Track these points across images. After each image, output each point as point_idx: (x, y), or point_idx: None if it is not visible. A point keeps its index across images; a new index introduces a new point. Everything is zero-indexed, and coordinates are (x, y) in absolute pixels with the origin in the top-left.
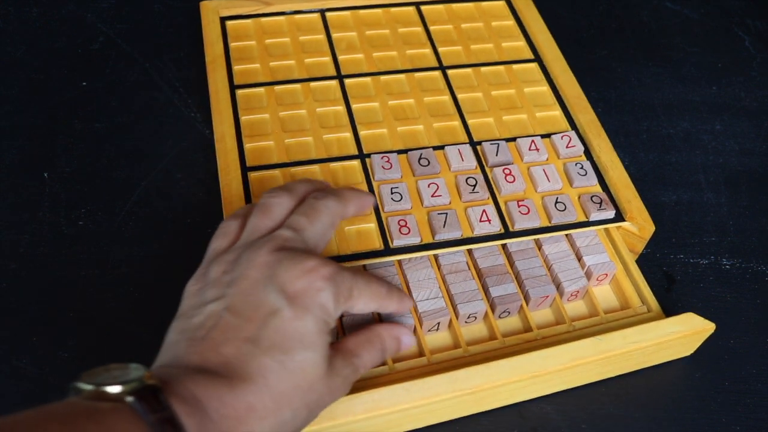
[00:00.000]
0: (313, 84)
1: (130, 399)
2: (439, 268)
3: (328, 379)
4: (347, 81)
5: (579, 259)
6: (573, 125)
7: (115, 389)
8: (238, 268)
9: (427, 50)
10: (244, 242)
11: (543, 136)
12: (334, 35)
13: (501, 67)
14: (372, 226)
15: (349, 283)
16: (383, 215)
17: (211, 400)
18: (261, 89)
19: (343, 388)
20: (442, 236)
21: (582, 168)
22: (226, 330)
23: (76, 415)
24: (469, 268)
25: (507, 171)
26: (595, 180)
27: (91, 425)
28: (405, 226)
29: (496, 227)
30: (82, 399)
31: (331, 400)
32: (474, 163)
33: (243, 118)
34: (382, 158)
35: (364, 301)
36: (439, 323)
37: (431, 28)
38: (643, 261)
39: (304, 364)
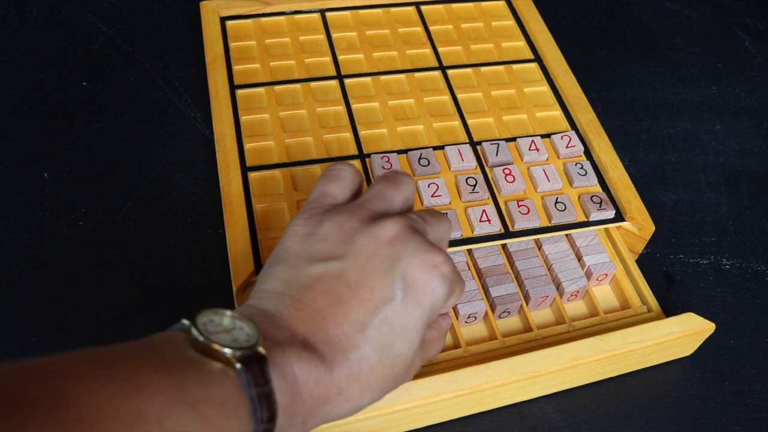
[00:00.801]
0: (313, 84)
1: (238, 366)
2: None
3: (407, 372)
4: (347, 81)
5: (579, 259)
6: (573, 125)
7: (226, 351)
8: (362, 236)
9: (427, 50)
10: (368, 205)
11: (543, 136)
12: (334, 35)
13: (501, 67)
14: None
15: (459, 286)
16: None
17: (308, 381)
18: (261, 89)
19: (407, 380)
20: None
21: (582, 168)
22: (335, 303)
23: (186, 373)
24: (469, 268)
25: (507, 171)
26: (595, 180)
27: (198, 389)
28: None
29: (496, 227)
30: (189, 344)
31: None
32: (474, 163)
33: (243, 118)
34: (382, 158)
35: (453, 300)
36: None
37: (431, 28)
38: (643, 261)
39: (398, 359)
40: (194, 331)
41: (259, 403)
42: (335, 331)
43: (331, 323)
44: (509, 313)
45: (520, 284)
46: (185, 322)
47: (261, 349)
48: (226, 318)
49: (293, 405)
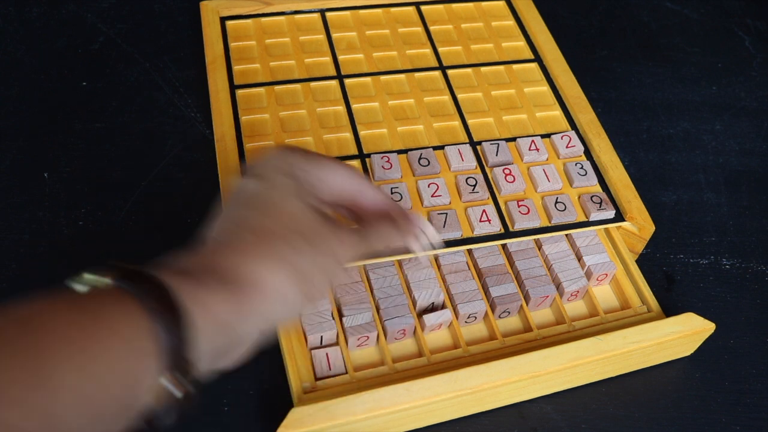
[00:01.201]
0: (313, 84)
1: (107, 281)
2: (439, 268)
3: (331, 227)
4: (347, 81)
5: (579, 259)
6: (573, 125)
7: (99, 278)
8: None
9: (427, 50)
10: None
11: (543, 136)
12: (334, 35)
13: (501, 67)
14: None
15: (299, 155)
16: None
17: (208, 260)
18: (261, 89)
19: (354, 244)
20: (442, 236)
21: (582, 168)
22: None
23: (77, 303)
24: (469, 268)
25: (507, 171)
26: (595, 180)
27: (90, 307)
28: None
29: (496, 227)
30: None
31: (348, 252)
32: (474, 163)
33: (243, 118)
34: (382, 158)
35: (328, 174)
36: (440, 323)
37: (431, 28)
38: (643, 261)
39: (289, 209)
40: (74, 285)
41: (142, 283)
42: (225, 229)
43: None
44: (509, 313)
45: (520, 284)
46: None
47: (128, 267)
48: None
49: (187, 277)
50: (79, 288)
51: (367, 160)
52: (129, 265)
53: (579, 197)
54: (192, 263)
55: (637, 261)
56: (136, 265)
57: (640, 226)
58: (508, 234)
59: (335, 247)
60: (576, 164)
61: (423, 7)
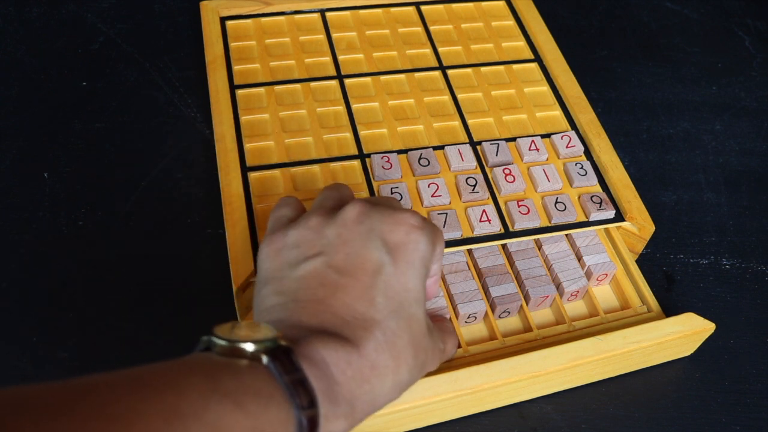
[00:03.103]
0: (313, 84)
1: (264, 359)
2: None
3: (430, 338)
4: (347, 81)
5: (579, 259)
6: (573, 125)
7: (249, 347)
8: (329, 228)
9: (427, 50)
10: (321, 206)
11: (543, 136)
12: (334, 35)
13: (501, 67)
14: None
15: (437, 233)
16: None
17: (339, 362)
18: (261, 89)
19: (437, 358)
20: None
21: (582, 168)
22: (334, 289)
23: (217, 370)
24: (469, 268)
25: (507, 171)
26: (595, 180)
27: (231, 380)
28: None
29: (496, 227)
30: (216, 354)
31: (431, 366)
32: (474, 163)
33: (243, 118)
34: (382, 158)
35: (438, 255)
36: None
37: (431, 28)
38: (643, 261)
39: (412, 319)
40: (215, 339)
41: (295, 389)
42: (347, 312)
43: (341, 307)
44: (509, 313)
45: (520, 284)
46: (204, 338)
47: (284, 342)
48: (243, 325)
49: (331, 389)
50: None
51: (367, 160)
52: (285, 341)
53: (579, 197)
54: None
55: (637, 261)
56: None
57: (640, 226)
58: (508, 234)
59: (429, 363)
60: (576, 164)
61: (423, 7)
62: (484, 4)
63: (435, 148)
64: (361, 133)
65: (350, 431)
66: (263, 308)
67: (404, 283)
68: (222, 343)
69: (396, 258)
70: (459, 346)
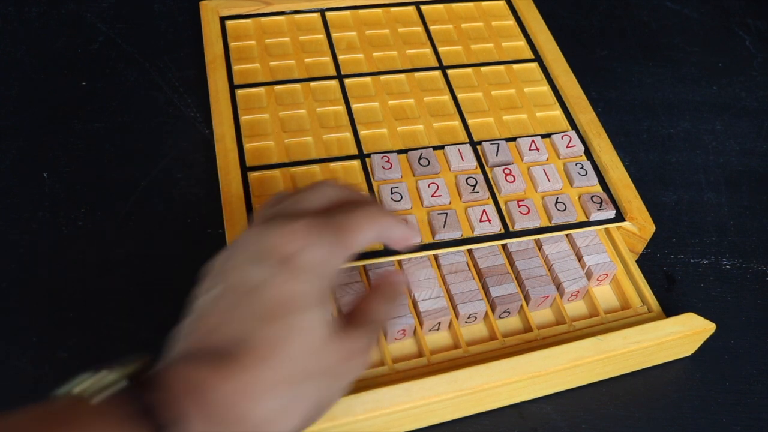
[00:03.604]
0: (313, 84)
1: (97, 399)
2: (439, 268)
3: (341, 341)
4: (347, 81)
5: (579, 259)
6: (573, 125)
7: (95, 396)
8: (233, 251)
9: (427, 50)
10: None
11: (543, 136)
12: (334, 35)
13: (501, 67)
14: None
15: (342, 222)
16: None
17: (208, 380)
18: (261, 89)
19: (364, 349)
20: (442, 236)
21: (582, 168)
22: (224, 311)
23: (50, 421)
24: (470, 268)
25: (507, 171)
26: (595, 180)
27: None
28: None
29: (496, 227)
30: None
31: (356, 366)
32: (474, 163)
33: (243, 118)
34: (382, 158)
35: (368, 230)
36: (439, 323)
37: (431, 27)
38: (643, 261)
39: (306, 324)
40: (59, 392)
41: (145, 417)
42: (226, 331)
43: (222, 325)
44: (509, 313)
45: (521, 284)
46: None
47: (127, 382)
48: (90, 378)
49: (201, 409)
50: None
51: (367, 160)
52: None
53: (579, 197)
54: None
55: (637, 261)
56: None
57: (640, 226)
58: (508, 234)
59: (342, 374)
60: (576, 164)
61: (423, 7)
62: (484, 3)
63: (435, 148)
64: (361, 133)
65: None
66: (188, 318)
67: (294, 290)
68: (62, 393)
69: (285, 267)
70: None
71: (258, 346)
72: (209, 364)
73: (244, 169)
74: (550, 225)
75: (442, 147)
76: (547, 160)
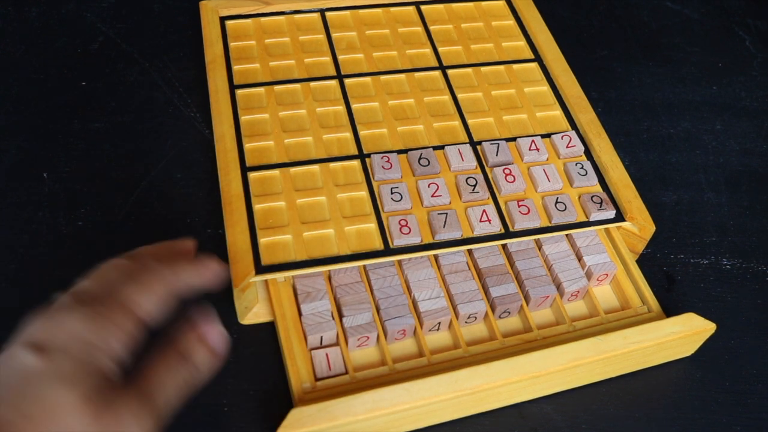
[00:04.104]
0: (313, 84)
1: None
2: (439, 268)
3: (104, 421)
4: (347, 81)
5: (579, 259)
6: (573, 125)
7: None
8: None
9: (427, 50)
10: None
11: (543, 136)
12: (334, 35)
13: (501, 67)
14: (372, 226)
15: (111, 298)
16: (383, 215)
17: None
18: (261, 89)
19: (137, 428)
20: (442, 236)
21: (582, 168)
22: None
23: None
24: (469, 268)
25: (507, 171)
26: (595, 180)
27: None
28: (405, 225)
29: (496, 227)
30: None
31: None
32: (474, 163)
33: (243, 118)
34: (382, 158)
35: (146, 298)
36: (439, 323)
37: (431, 27)
38: (643, 261)
39: (56, 404)
40: None
41: None
42: None
43: None
44: (509, 313)
45: (521, 284)
46: None
47: None
48: None
49: None
50: None
51: (367, 160)
52: None
53: (579, 197)
54: None
55: (637, 261)
56: None
57: (640, 226)
58: (508, 234)
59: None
60: (576, 164)
61: (423, 7)
62: (484, 3)
63: (435, 148)
64: (361, 133)
65: None
66: None
67: (42, 370)
68: None
69: (40, 351)
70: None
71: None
72: None
73: (244, 169)
74: (550, 225)
75: (442, 147)
76: (547, 160)
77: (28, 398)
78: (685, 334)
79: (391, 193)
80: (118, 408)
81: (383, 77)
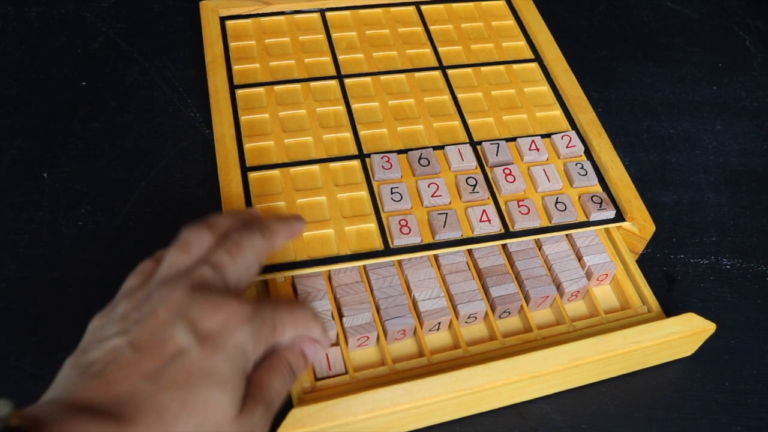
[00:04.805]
0: (313, 84)
1: None
2: (439, 268)
3: (240, 422)
4: (347, 81)
5: (579, 259)
6: (573, 125)
7: None
8: (148, 304)
9: (427, 50)
10: (159, 279)
11: (543, 136)
12: (334, 35)
13: (501, 67)
14: (372, 226)
15: (271, 319)
16: (383, 215)
17: None
18: (261, 89)
19: (260, 428)
20: (442, 236)
21: (582, 168)
22: (124, 366)
23: None
24: (469, 268)
25: (507, 171)
26: (595, 180)
27: None
28: (405, 225)
29: (496, 227)
30: None
31: None
32: (474, 163)
33: (243, 118)
34: (382, 158)
35: (290, 331)
36: (439, 323)
37: (431, 27)
38: (643, 261)
39: (209, 403)
40: None
41: None
42: (123, 387)
43: (118, 382)
44: (509, 313)
45: (521, 284)
46: None
47: (17, 422)
48: None
49: None
50: None
51: (367, 160)
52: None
53: (579, 197)
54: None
55: (637, 261)
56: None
57: (640, 226)
58: (508, 234)
59: None
60: (576, 164)
61: (423, 7)
62: (484, 3)
63: (435, 148)
64: (361, 133)
65: None
66: (57, 378)
67: (206, 367)
68: None
69: (203, 343)
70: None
71: (156, 412)
72: (94, 426)
73: (244, 169)
74: (550, 225)
75: (442, 147)
76: (547, 160)
77: (188, 389)
78: (685, 334)
79: (391, 193)
80: (253, 413)
81: (383, 77)
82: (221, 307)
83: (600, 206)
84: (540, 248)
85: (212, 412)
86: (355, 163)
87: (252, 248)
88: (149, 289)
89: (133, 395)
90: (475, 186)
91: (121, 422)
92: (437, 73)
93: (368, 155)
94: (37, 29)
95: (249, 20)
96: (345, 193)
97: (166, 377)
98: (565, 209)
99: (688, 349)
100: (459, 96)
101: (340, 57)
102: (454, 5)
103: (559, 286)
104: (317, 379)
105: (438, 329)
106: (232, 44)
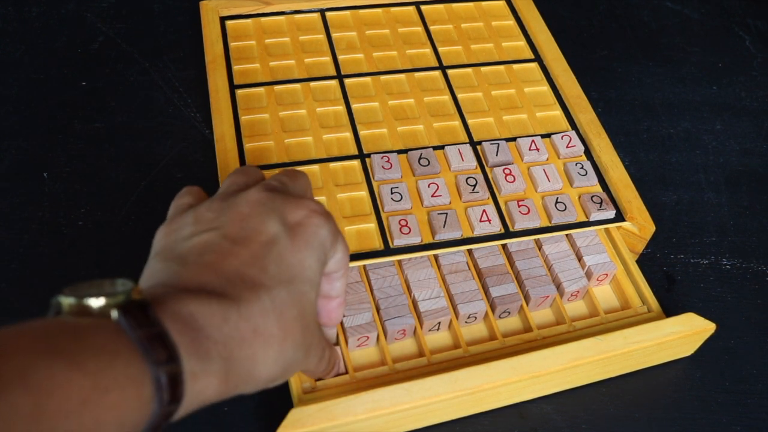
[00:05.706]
0: (313, 84)
1: (114, 313)
2: (439, 268)
3: (319, 329)
4: (347, 81)
5: (579, 259)
6: (573, 125)
7: (98, 302)
8: (228, 205)
9: (427, 50)
10: (225, 192)
11: (543, 136)
12: (334, 35)
13: (501, 67)
14: (372, 226)
15: (336, 230)
16: (383, 215)
17: (213, 318)
18: (261, 89)
19: (319, 355)
20: (442, 236)
21: (582, 168)
22: (225, 255)
23: (53, 330)
24: (470, 268)
25: (507, 171)
26: (595, 180)
27: (67, 339)
28: (405, 225)
29: (496, 227)
30: (64, 315)
31: (313, 359)
32: (474, 163)
33: (243, 118)
34: (382, 158)
35: (340, 255)
36: (439, 323)
37: (431, 27)
38: (643, 261)
39: (305, 297)
40: (61, 298)
41: (150, 344)
42: (235, 275)
43: (228, 271)
44: (509, 313)
45: (521, 284)
46: (53, 299)
47: (139, 296)
48: (98, 285)
49: (201, 345)
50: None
51: (367, 160)
52: (140, 297)
53: (579, 197)
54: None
55: (637, 261)
56: (150, 297)
57: (640, 226)
58: (508, 234)
59: (313, 352)
60: (576, 164)
61: (423, 7)
62: (484, 3)
63: (435, 148)
64: (361, 133)
65: (222, 396)
66: (145, 276)
67: (301, 260)
68: (68, 301)
69: (294, 235)
70: (345, 372)
71: (262, 295)
72: (215, 302)
73: None
74: (550, 225)
75: (442, 147)
76: (547, 160)
77: (291, 281)
78: (685, 334)
79: (391, 193)
80: (321, 330)
81: (383, 77)
82: (301, 203)
83: (600, 206)
84: (540, 248)
85: (306, 304)
86: (355, 163)
87: (305, 177)
88: (222, 197)
89: (242, 276)
90: (475, 186)
91: (233, 300)
92: (437, 73)
93: (368, 155)
94: (37, 29)
95: (249, 20)
96: (345, 193)
97: (269, 265)
98: (565, 209)
99: (688, 349)
100: (459, 96)
101: (340, 57)
102: (454, 5)
103: (559, 286)
104: (317, 379)
105: (438, 329)
106: (232, 44)
